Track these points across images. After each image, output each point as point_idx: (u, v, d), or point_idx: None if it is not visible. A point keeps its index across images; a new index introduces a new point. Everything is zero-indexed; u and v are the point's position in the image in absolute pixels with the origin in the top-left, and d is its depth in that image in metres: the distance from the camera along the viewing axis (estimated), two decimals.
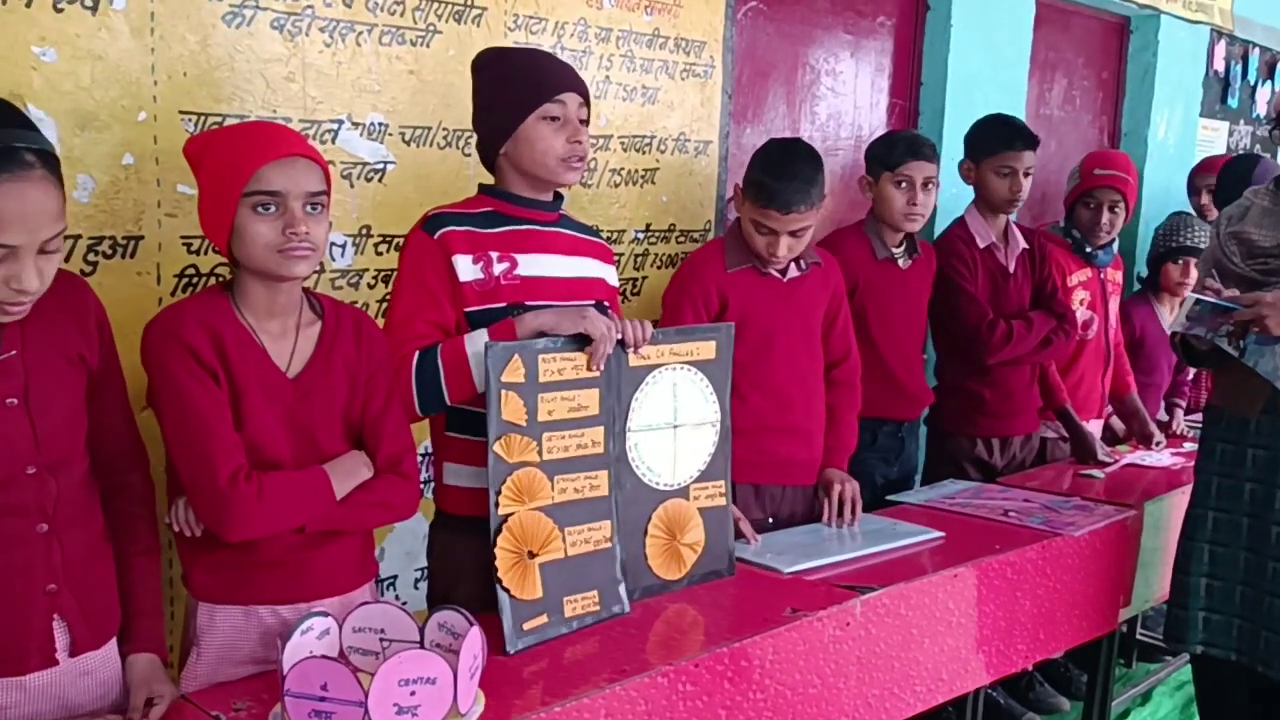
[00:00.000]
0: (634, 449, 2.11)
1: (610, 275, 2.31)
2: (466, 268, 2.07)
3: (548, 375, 1.96)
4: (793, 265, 2.74)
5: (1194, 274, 3.98)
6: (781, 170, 2.60)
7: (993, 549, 2.60)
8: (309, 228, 1.76)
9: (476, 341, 1.99)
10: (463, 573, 2.12)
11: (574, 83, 2.12)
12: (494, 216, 2.14)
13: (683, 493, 2.20)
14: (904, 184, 3.08)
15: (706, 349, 2.21)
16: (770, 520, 2.74)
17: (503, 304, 2.09)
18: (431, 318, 2.06)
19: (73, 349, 1.66)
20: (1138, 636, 3.97)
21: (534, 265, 2.14)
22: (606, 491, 2.06)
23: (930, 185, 3.09)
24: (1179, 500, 3.03)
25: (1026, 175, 3.30)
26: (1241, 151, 5.72)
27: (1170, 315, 4.06)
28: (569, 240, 2.22)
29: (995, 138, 3.31)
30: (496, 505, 1.91)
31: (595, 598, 2.03)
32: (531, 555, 1.95)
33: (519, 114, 2.09)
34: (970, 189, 3.39)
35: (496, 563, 1.91)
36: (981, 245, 3.35)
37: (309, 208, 1.77)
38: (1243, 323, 2.50)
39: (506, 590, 1.91)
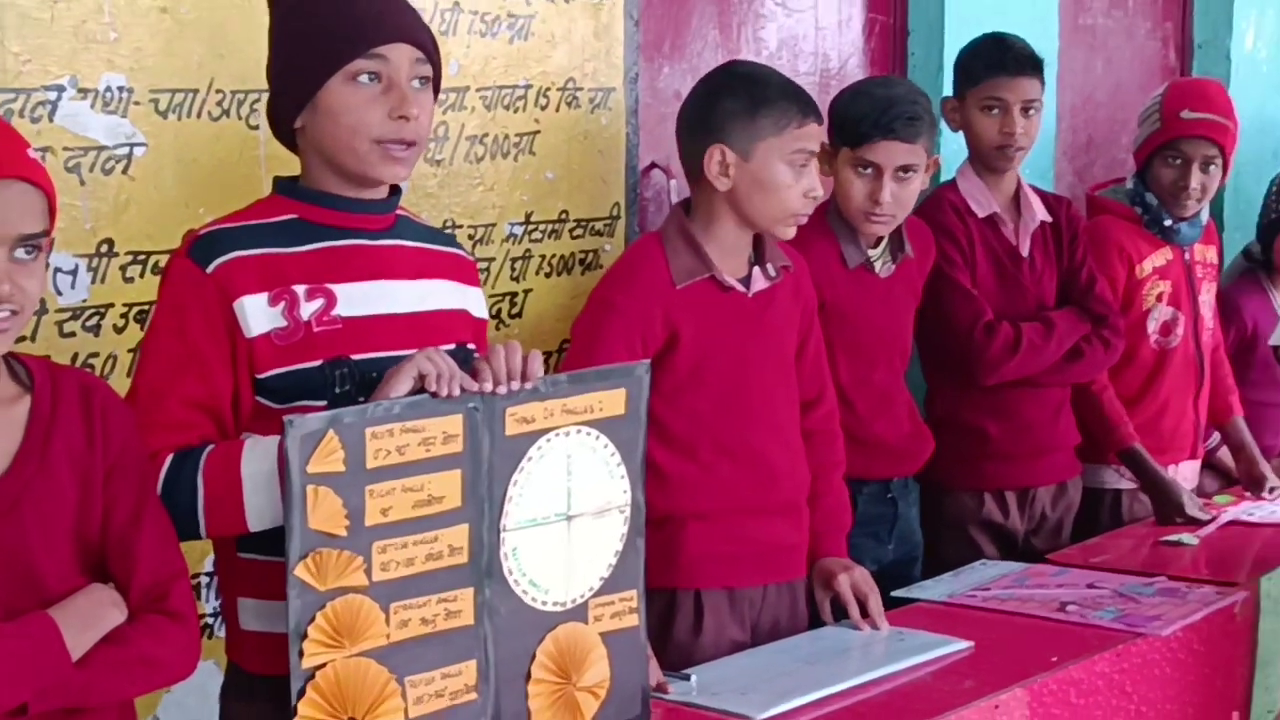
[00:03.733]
0: (511, 555, 2.12)
1: (475, 303, 2.35)
2: (259, 314, 2.08)
3: (381, 457, 1.96)
4: (757, 273, 2.77)
5: None
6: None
7: (1048, 661, 2.61)
8: (15, 284, 1.76)
9: (260, 455, 1.99)
10: None
11: (403, 27, 2.13)
12: (298, 228, 2.16)
13: (579, 613, 2.21)
14: (867, 170, 3.02)
15: (613, 401, 2.21)
16: (750, 638, 2.76)
17: (316, 361, 2.10)
18: (192, 393, 2.07)
19: None
20: None
21: (361, 299, 2.15)
22: (471, 620, 2.07)
23: (911, 173, 3.03)
24: None
25: (1027, 113, 3.32)
26: None
27: None
28: (411, 255, 2.25)
29: (980, 61, 3.36)
30: (300, 655, 1.91)
31: None
32: None
33: (317, 73, 2.10)
34: None
35: None
36: (981, 215, 3.39)
37: (21, 252, 1.78)
38: None
39: None
